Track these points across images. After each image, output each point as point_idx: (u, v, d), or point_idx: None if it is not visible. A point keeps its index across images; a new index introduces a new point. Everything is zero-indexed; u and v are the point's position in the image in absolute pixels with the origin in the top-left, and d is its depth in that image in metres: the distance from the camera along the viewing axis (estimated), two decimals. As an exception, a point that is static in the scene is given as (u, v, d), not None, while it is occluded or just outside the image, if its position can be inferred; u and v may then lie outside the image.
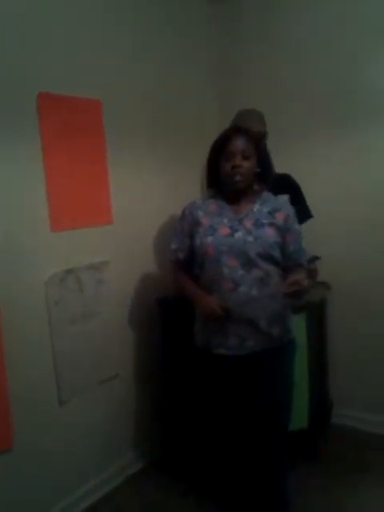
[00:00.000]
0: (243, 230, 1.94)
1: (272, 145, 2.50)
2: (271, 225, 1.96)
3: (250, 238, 1.92)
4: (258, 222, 1.96)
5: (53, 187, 2.12)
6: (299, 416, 2.37)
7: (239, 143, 1.94)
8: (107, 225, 2.40)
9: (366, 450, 2.66)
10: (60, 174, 2.15)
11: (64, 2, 2.17)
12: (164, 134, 2.70)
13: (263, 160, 2.02)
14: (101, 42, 2.33)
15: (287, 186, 2.46)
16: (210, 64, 3.05)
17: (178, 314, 2.53)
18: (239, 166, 1.93)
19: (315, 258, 2.52)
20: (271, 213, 1.99)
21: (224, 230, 1.96)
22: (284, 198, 2.24)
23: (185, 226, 2.07)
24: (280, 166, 2.51)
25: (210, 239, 1.96)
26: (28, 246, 2.05)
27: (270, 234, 1.94)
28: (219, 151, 1.98)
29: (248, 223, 1.96)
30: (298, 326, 2.26)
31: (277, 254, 1.96)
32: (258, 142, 2.03)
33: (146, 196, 2.61)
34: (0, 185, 1.93)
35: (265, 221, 1.96)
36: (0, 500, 1.98)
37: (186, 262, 2.10)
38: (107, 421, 2.44)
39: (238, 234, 1.94)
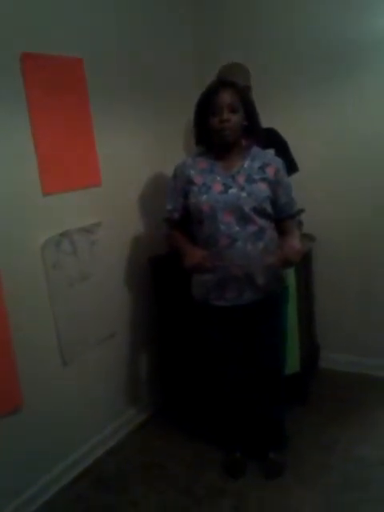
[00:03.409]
0: (236, 187, 1.98)
1: (255, 98, 2.51)
2: (263, 180, 2.00)
3: (244, 194, 1.96)
4: (250, 177, 1.99)
5: (42, 149, 2.09)
6: (292, 360, 2.50)
7: (226, 97, 1.93)
8: (96, 186, 2.39)
9: (352, 389, 2.83)
10: (47, 135, 2.12)
11: None
12: (146, 93, 2.66)
13: (251, 113, 2.03)
14: (83, 1, 2.27)
15: (273, 139, 2.49)
16: (192, 23, 2.99)
17: (169, 270, 2.58)
18: (227, 119, 1.93)
19: (300, 211, 2.59)
20: (262, 168, 2.02)
21: (217, 187, 1.99)
22: (271, 152, 2.29)
23: (178, 186, 2.09)
24: (264, 121, 2.53)
25: (204, 197, 1.99)
26: (22, 210, 2.04)
27: (262, 188, 1.99)
28: (206, 106, 1.97)
29: (240, 179, 1.99)
30: (288, 276, 2.35)
31: (269, 207, 2.02)
32: (245, 96, 2.04)
33: (131, 155, 2.60)
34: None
35: (256, 176, 2.00)
36: (8, 459, 2.04)
37: (181, 221, 2.14)
38: (109, 378, 2.52)
39: (232, 191, 1.98)
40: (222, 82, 2.03)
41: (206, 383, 2.41)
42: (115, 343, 2.53)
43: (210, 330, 2.17)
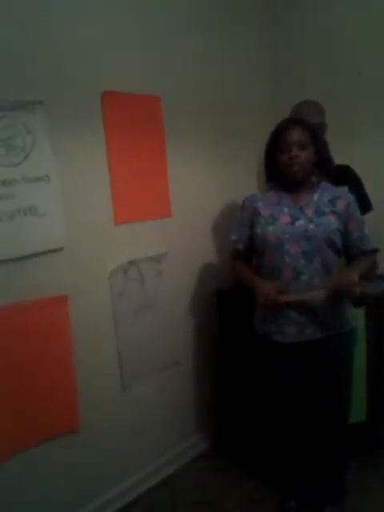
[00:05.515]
0: (304, 218, 1.96)
1: (330, 135, 2.48)
2: (332, 212, 1.97)
3: (312, 226, 1.94)
4: (319, 210, 1.97)
5: (117, 182, 2.20)
6: (357, 408, 2.36)
7: (294, 133, 1.94)
8: (166, 217, 2.46)
9: None
10: (123, 168, 2.23)
11: (128, 4, 2.22)
12: (220, 128, 2.72)
13: (322, 150, 2.01)
14: (163, 42, 2.38)
15: (347, 177, 2.43)
16: (271, 63, 3.05)
17: (235, 304, 2.58)
18: (296, 156, 1.93)
19: (375, 251, 2.48)
20: (332, 201, 1.99)
21: (284, 219, 1.98)
22: (344, 189, 2.24)
23: (245, 217, 2.11)
24: (339, 157, 2.48)
25: (271, 228, 1.98)
26: (94, 238, 2.15)
27: (331, 220, 1.95)
28: (275, 143, 1.99)
29: (309, 211, 1.97)
30: (358, 318, 2.25)
31: (338, 240, 1.97)
32: (315, 132, 2.03)
33: (202, 189, 2.65)
34: (69, 180, 2.03)
35: (326, 209, 1.97)
36: (65, 480, 2.09)
37: (244, 252, 2.14)
38: (167, 407, 2.53)
39: (299, 222, 1.96)
40: (292, 120, 2.06)
41: (265, 422, 2.34)
42: (176, 372, 2.55)
43: (271, 366, 2.13)
